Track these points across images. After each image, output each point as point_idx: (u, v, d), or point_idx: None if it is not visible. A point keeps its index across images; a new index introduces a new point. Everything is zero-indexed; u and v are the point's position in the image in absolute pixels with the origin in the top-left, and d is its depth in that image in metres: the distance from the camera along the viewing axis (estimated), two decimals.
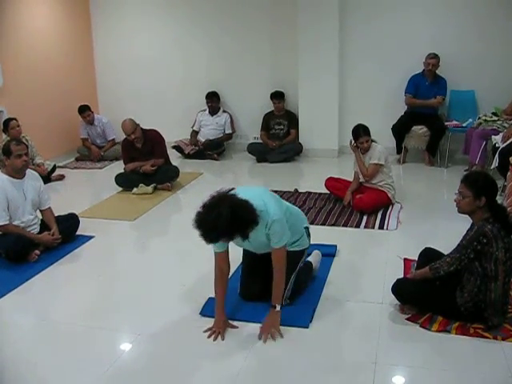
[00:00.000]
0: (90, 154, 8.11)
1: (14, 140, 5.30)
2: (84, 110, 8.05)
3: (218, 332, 3.30)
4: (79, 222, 5.01)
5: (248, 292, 3.69)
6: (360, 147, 5.46)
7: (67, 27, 8.29)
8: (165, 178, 6.44)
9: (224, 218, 2.89)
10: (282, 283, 3.37)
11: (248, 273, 3.74)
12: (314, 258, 4.03)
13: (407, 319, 3.38)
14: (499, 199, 4.18)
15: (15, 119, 6.65)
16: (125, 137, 6.45)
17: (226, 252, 3.40)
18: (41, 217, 4.83)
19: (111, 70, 8.83)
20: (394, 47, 7.45)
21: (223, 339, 3.27)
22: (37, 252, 4.52)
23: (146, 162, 6.43)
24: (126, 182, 6.46)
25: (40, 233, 4.69)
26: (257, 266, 3.67)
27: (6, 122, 6.64)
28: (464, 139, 6.86)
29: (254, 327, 3.35)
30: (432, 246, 3.71)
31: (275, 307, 3.35)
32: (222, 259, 3.39)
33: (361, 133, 5.39)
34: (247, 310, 3.55)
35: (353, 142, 5.54)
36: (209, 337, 3.29)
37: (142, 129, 6.40)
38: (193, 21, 8.25)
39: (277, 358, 3.11)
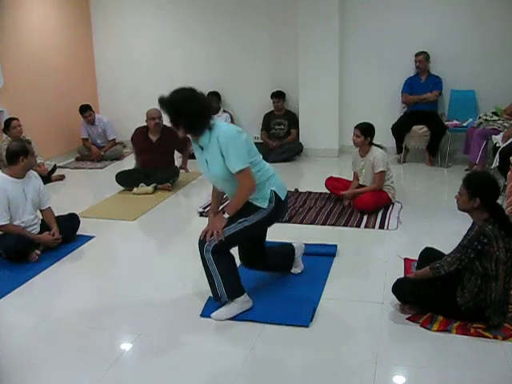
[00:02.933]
0: (91, 154, 8.11)
1: (23, 140, 5.26)
2: (85, 110, 8.06)
3: (213, 231, 3.34)
4: (79, 222, 5.02)
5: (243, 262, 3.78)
6: (353, 141, 5.49)
7: (67, 27, 8.30)
8: (165, 177, 6.44)
9: (179, 96, 3.25)
10: (239, 200, 3.34)
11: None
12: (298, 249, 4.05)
13: (408, 319, 3.38)
14: (499, 199, 4.16)
15: (17, 119, 6.67)
16: (135, 128, 6.75)
17: None
18: (41, 217, 4.83)
19: (111, 70, 8.85)
20: (394, 47, 7.46)
21: (223, 237, 3.34)
22: (37, 252, 4.52)
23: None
24: (126, 180, 6.47)
25: (40, 233, 4.70)
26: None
27: (8, 122, 6.66)
28: (464, 139, 6.88)
29: (254, 326, 3.36)
30: (432, 246, 3.71)
31: (224, 213, 3.40)
32: None
33: (357, 125, 5.45)
34: (247, 310, 3.55)
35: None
36: (203, 236, 3.39)
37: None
38: (193, 21, 8.26)
39: (277, 357, 3.10)
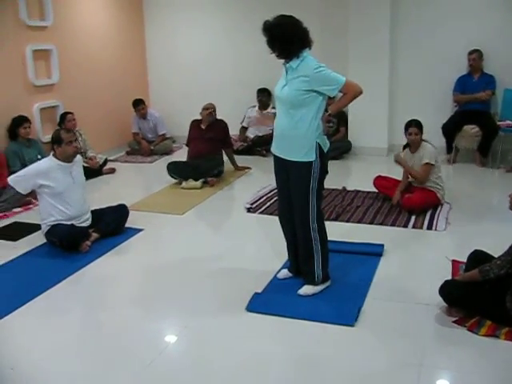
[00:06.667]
0: (141, 148, 8.24)
1: (62, 129, 5.39)
2: (138, 104, 8.23)
3: None
4: (128, 212, 5.11)
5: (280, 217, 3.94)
6: (408, 139, 5.42)
7: (120, 23, 8.46)
8: (210, 166, 6.59)
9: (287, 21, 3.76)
10: (346, 100, 3.70)
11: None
12: None
13: (454, 322, 3.33)
14: None
15: (71, 113, 6.86)
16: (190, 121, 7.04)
17: None
18: (91, 209, 4.97)
19: (163, 66, 8.99)
20: (446, 44, 7.34)
21: None
22: (88, 243, 4.64)
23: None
24: (175, 170, 6.61)
25: (93, 226, 4.84)
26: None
27: (63, 115, 6.86)
28: None
29: (298, 324, 3.37)
30: (481, 249, 3.64)
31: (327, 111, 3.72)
32: None
33: (412, 123, 5.39)
34: (289, 306, 3.57)
35: (401, 152, 5.57)
36: None
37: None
38: (244, 16, 8.27)
39: (321, 355, 3.10)
